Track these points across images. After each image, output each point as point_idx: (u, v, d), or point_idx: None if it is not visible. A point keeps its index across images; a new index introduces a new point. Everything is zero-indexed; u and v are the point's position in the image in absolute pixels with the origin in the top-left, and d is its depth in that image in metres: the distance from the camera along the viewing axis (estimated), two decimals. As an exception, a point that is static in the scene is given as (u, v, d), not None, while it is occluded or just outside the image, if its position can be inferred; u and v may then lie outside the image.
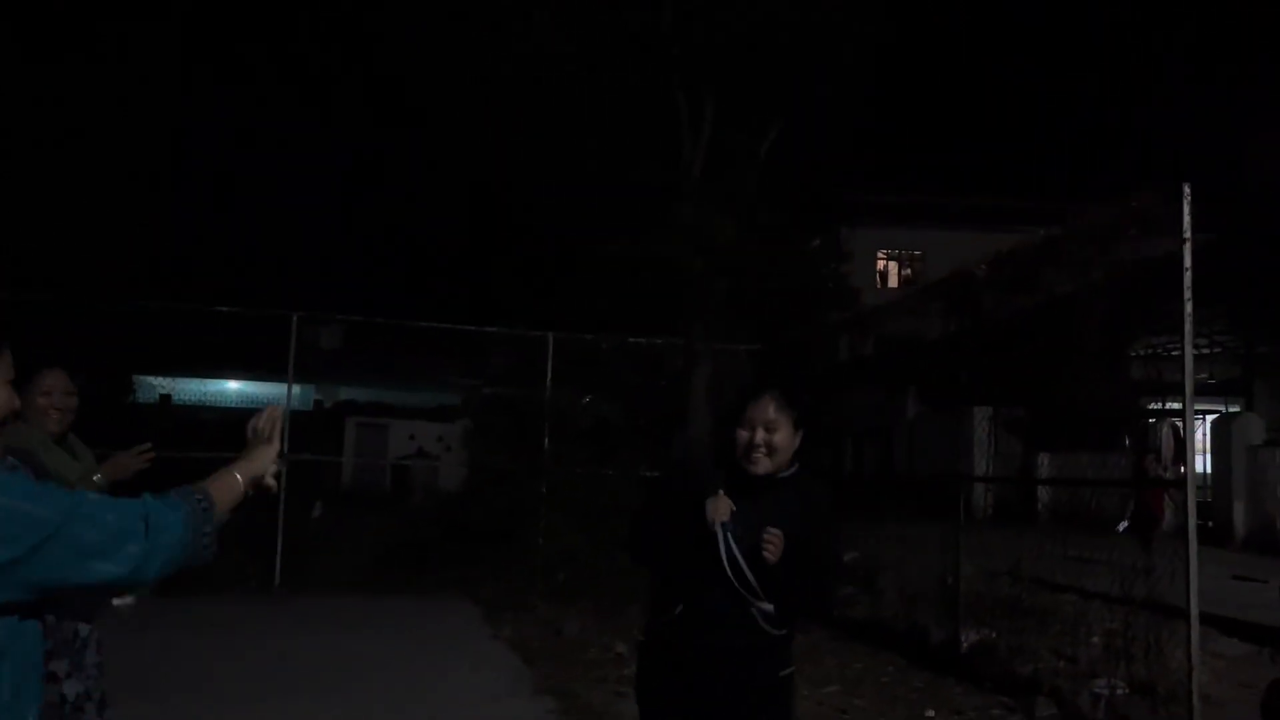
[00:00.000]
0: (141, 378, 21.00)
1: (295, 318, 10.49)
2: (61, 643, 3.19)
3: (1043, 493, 14.69)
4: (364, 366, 29.09)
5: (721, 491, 2.70)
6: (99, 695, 3.32)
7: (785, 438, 2.78)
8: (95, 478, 3.29)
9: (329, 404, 27.57)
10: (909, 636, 7.81)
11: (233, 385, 28.66)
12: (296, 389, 11.85)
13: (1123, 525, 9.90)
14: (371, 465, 21.91)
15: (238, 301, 11.41)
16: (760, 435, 2.76)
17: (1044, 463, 17.48)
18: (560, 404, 11.79)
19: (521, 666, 7.14)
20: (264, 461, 1.76)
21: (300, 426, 11.11)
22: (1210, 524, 15.52)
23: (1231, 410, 19.22)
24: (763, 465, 2.77)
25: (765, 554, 2.63)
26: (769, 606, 2.73)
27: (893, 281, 32.89)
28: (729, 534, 2.68)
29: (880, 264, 33.22)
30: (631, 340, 12.11)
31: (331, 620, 8.61)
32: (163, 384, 22.50)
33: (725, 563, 2.68)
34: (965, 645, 7.17)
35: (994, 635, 7.11)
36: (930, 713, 6.01)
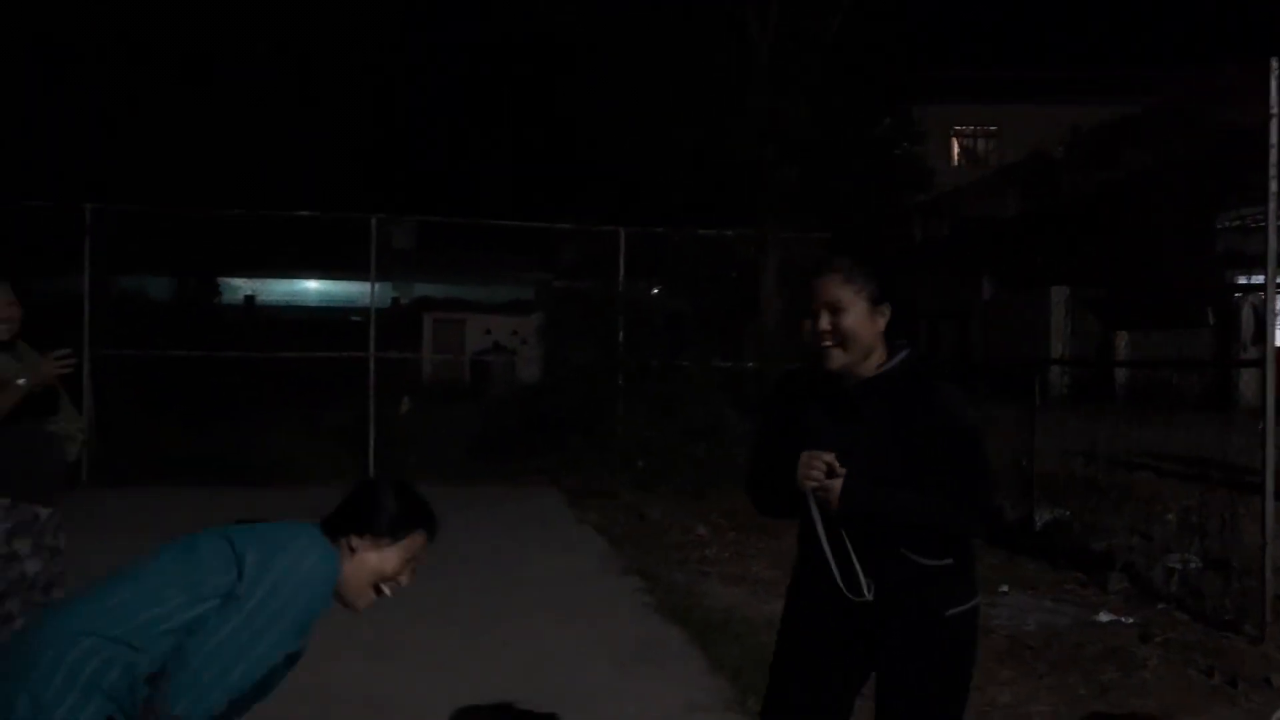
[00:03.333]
0: (226, 280, 21.69)
1: (374, 220, 10.75)
2: (21, 524, 3.50)
3: (1120, 372, 14.56)
4: (438, 263, 29.55)
5: (810, 454, 2.18)
6: (51, 577, 3.63)
7: (859, 319, 2.20)
8: (19, 381, 3.43)
9: (406, 301, 28.15)
10: (983, 516, 7.98)
11: (313, 285, 29.36)
12: (375, 287, 12.22)
13: None
14: (450, 360, 22.49)
15: (315, 204, 11.72)
16: (825, 320, 2.20)
17: (1123, 342, 17.24)
18: (633, 297, 11.97)
19: (608, 549, 7.51)
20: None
21: (382, 324, 11.46)
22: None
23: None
24: (836, 358, 2.21)
25: (819, 497, 2.19)
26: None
27: (967, 159, 31.98)
28: (814, 500, 2.22)
29: (955, 141, 32.27)
30: (701, 232, 12.14)
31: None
32: (247, 286, 23.16)
33: (823, 536, 2.23)
34: (1039, 524, 7.32)
35: (1068, 514, 7.24)
36: (1004, 587, 6.21)
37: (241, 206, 12.10)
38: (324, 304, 27.26)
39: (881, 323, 2.25)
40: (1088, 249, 17.29)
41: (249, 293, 23.22)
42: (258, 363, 11.94)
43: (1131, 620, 5.38)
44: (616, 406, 11.18)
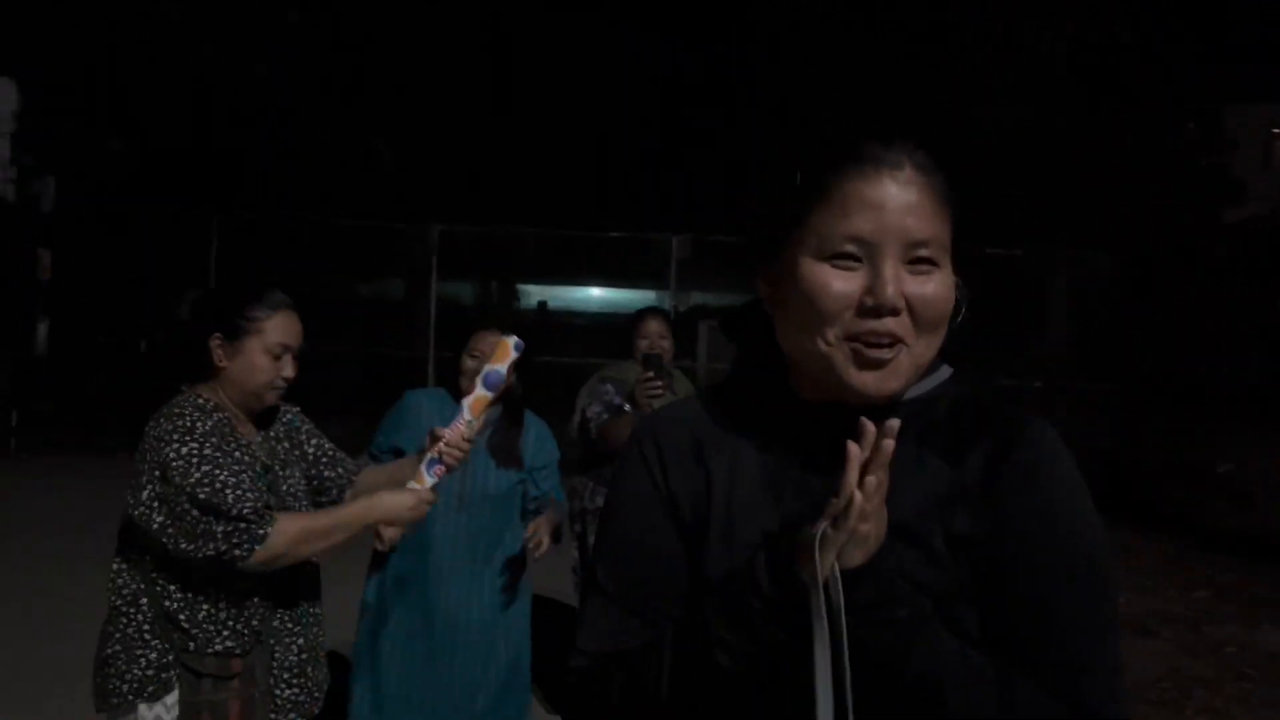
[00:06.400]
0: (523, 286, 23.72)
1: (675, 240, 11.78)
2: None
3: None
4: (712, 271, 30.57)
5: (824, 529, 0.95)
6: None
7: (949, 288, 1.11)
8: (626, 408, 3.68)
9: (683, 308, 29.35)
10: (1288, 552, 7.68)
11: (595, 292, 31.16)
12: (652, 295, 13.49)
13: None
14: (722, 367, 23.31)
15: (601, 213, 12.82)
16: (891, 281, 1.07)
17: None
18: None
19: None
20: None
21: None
22: None
23: None
24: (899, 367, 1.09)
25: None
26: None
27: (1288, 165, 29.06)
28: (820, 599, 0.94)
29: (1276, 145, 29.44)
30: (989, 250, 12.17)
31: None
32: (540, 292, 25.11)
33: (823, 656, 0.94)
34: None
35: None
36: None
37: (540, 220, 13.55)
38: (605, 309, 28.89)
39: (954, 305, 1.13)
40: None
41: (542, 299, 25.19)
42: (545, 365, 13.25)
43: None
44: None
